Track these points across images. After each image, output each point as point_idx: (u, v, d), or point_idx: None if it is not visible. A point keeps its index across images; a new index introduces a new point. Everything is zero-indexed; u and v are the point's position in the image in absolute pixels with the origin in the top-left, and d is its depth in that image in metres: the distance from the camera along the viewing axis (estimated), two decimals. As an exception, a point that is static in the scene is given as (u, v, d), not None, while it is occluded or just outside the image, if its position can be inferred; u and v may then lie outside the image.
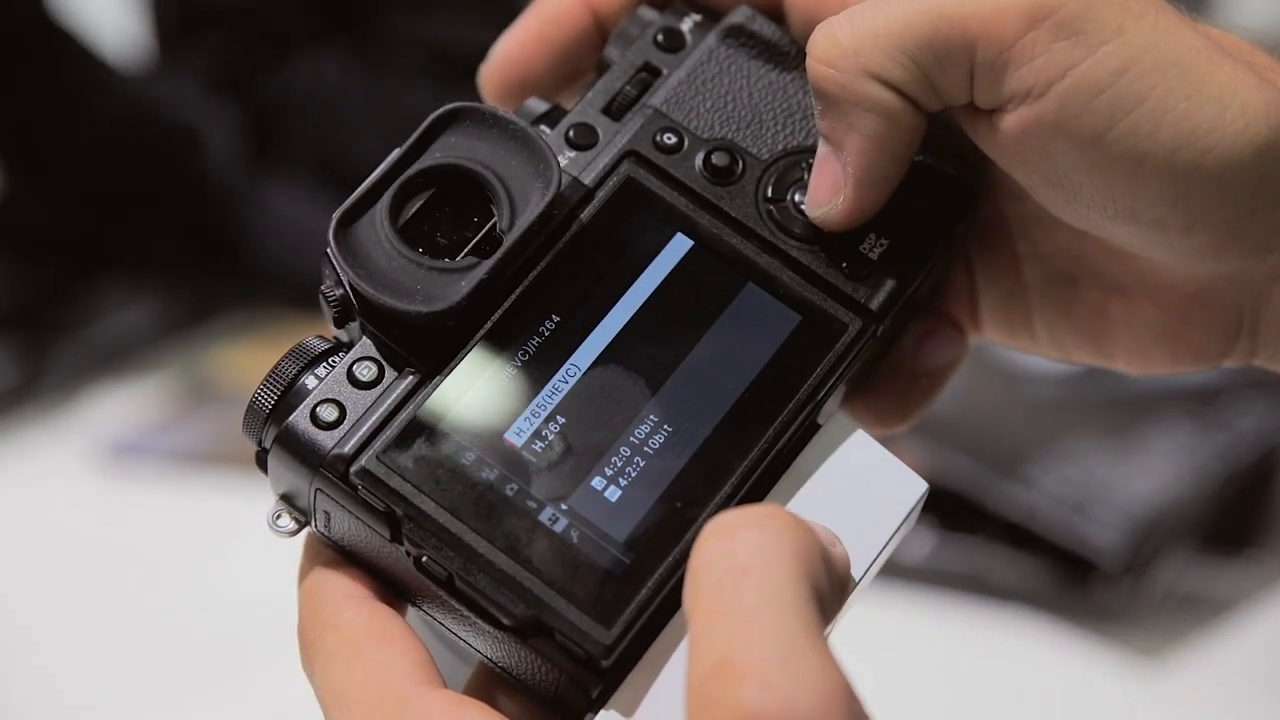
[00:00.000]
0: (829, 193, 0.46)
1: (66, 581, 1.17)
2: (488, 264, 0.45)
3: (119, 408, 1.32)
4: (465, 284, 0.45)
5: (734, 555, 0.39)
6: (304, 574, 0.46)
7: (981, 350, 1.12)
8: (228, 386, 1.32)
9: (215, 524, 1.19)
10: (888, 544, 0.45)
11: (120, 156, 1.41)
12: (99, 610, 1.14)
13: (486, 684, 0.46)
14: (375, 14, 1.50)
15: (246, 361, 1.35)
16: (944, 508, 1.07)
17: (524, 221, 0.45)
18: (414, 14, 1.49)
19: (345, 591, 0.45)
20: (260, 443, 0.46)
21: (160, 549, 1.19)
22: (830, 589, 0.40)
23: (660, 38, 0.49)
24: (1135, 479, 1.05)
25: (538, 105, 0.49)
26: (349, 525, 0.45)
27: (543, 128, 0.48)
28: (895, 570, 1.06)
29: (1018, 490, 1.05)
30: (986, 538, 1.06)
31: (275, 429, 0.45)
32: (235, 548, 1.15)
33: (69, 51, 1.40)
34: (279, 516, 0.46)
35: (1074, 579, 1.03)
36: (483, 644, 0.45)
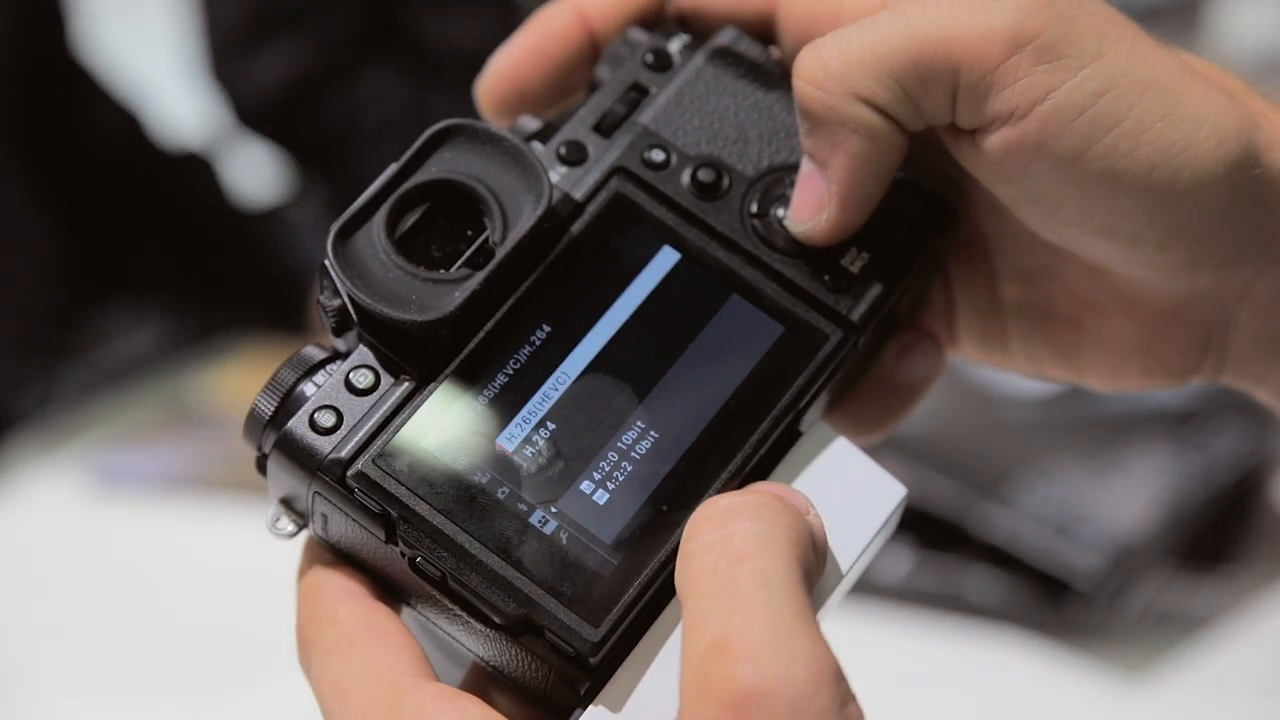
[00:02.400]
0: (813, 209, 0.48)
1: (62, 603, 1.18)
2: (480, 275, 0.46)
3: (115, 431, 1.33)
4: (459, 294, 0.46)
5: (729, 541, 0.41)
6: (302, 573, 0.47)
7: (962, 374, 1.14)
8: (218, 410, 1.33)
9: (205, 547, 1.20)
10: (868, 547, 0.47)
11: (128, 184, 1.43)
12: (92, 631, 1.14)
13: (479, 682, 0.47)
14: (430, 24, 1.47)
15: (236, 385, 1.36)
16: (925, 529, 1.08)
17: (516, 234, 0.46)
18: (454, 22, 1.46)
19: (342, 589, 0.46)
20: (260, 448, 0.47)
21: (152, 572, 1.19)
22: (818, 569, 0.42)
23: (649, 58, 0.51)
24: (1114, 501, 1.06)
25: (530, 123, 0.50)
26: (345, 527, 0.46)
27: (535, 144, 0.49)
28: (874, 589, 1.07)
29: (1000, 512, 1.06)
30: (965, 557, 1.07)
31: (274, 435, 0.46)
32: (225, 571, 1.16)
33: (86, 85, 1.42)
34: (278, 519, 0.47)
35: (1053, 597, 1.05)
36: (475, 643, 0.46)
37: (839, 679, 0.39)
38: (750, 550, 0.40)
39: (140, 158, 1.45)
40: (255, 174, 1.64)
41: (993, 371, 1.15)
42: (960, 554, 1.07)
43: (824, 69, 0.46)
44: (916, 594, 1.07)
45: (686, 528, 0.42)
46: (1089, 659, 1.03)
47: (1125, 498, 1.06)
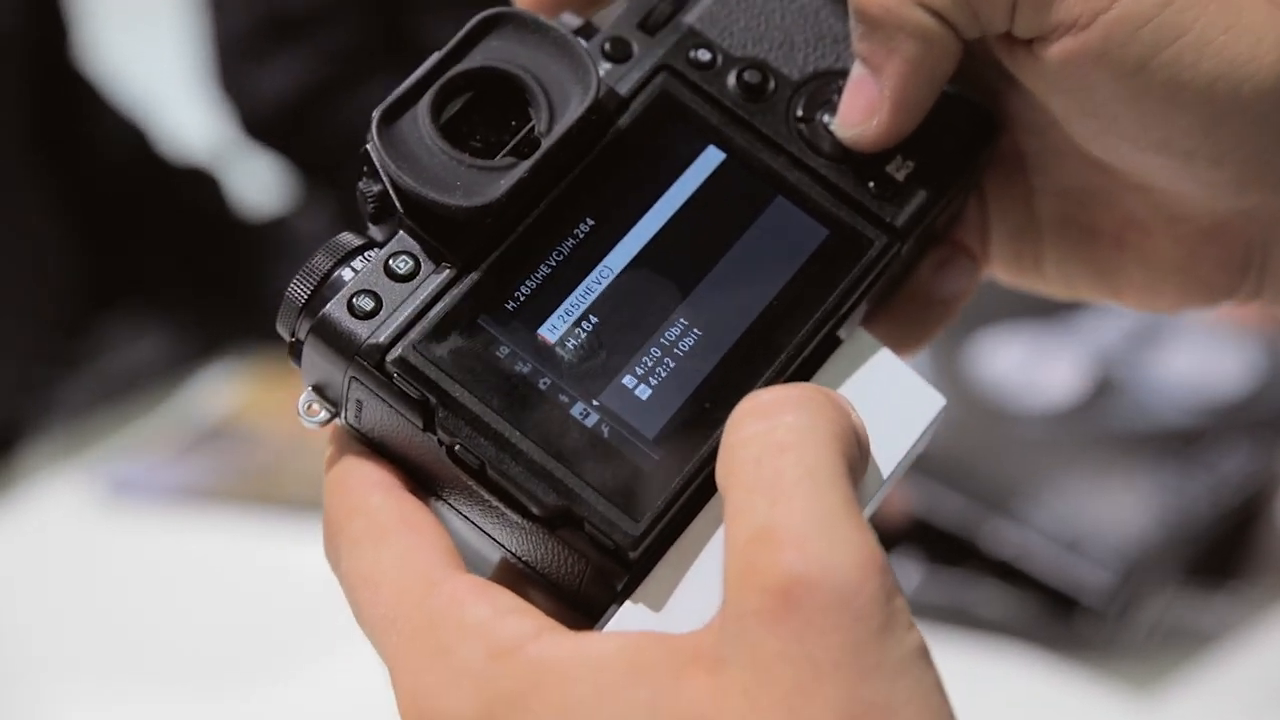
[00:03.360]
0: (864, 114, 0.47)
1: (70, 613, 1.17)
2: (527, 164, 0.46)
3: (124, 443, 1.32)
4: (505, 182, 0.45)
5: (773, 434, 0.40)
6: (331, 463, 0.46)
7: (973, 390, 1.14)
8: (226, 423, 1.32)
9: (213, 559, 1.19)
10: (908, 454, 0.46)
11: (134, 194, 1.43)
12: (101, 641, 1.13)
13: (509, 580, 0.46)
14: (435, 34, 1.48)
15: (243, 398, 1.35)
16: (934, 544, 1.08)
17: (563, 125, 0.46)
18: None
19: (373, 479, 0.45)
20: (293, 333, 0.46)
21: (162, 585, 1.19)
22: (862, 466, 0.41)
23: None
24: (1123, 517, 1.06)
25: (571, 20, 0.50)
26: (381, 414, 0.45)
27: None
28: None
29: (1009, 527, 1.06)
30: (974, 572, 1.06)
31: (309, 320, 0.45)
32: (232, 582, 1.15)
33: (92, 96, 1.43)
34: (310, 406, 0.46)
35: (1061, 613, 1.04)
36: (508, 537, 0.45)
37: (886, 570, 0.38)
38: (793, 441, 0.40)
39: (146, 169, 1.46)
40: (261, 185, 1.64)
41: (1002, 386, 1.16)
42: (969, 569, 1.07)
43: None
44: (925, 608, 1.06)
45: (729, 420, 0.41)
46: (1097, 674, 1.02)
47: (1134, 514, 1.06)
